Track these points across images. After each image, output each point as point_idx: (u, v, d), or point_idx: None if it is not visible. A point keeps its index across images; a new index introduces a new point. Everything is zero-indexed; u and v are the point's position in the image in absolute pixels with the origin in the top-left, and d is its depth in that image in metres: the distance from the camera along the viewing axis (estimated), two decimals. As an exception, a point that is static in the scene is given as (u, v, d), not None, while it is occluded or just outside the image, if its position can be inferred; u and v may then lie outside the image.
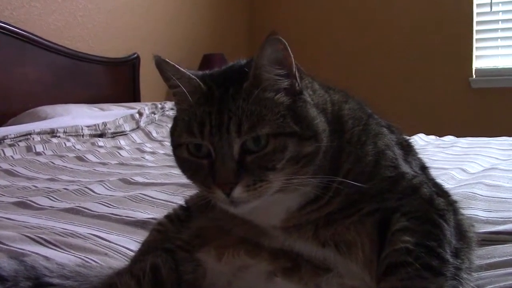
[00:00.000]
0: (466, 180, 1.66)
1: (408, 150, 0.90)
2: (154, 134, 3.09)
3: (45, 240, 1.07)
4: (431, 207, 0.79)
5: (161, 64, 0.79)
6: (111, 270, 0.89)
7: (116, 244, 1.08)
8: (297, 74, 0.78)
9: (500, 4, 4.15)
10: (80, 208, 1.36)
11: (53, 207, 1.42)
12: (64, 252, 1.03)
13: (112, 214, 1.30)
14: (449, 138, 2.79)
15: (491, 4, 4.12)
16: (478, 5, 4.17)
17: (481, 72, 4.17)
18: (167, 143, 2.59)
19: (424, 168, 0.91)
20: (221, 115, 0.74)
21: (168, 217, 0.96)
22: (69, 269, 0.90)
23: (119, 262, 0.97)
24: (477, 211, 1.25)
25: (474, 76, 4.17)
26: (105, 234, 1.14)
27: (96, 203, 1.41)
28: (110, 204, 1.40)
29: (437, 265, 0.71)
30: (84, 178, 1.85)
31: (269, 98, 0.75)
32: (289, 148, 0.74)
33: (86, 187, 1.62)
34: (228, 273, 0.81)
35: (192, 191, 0.95)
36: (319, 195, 0.78)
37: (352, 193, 0.78)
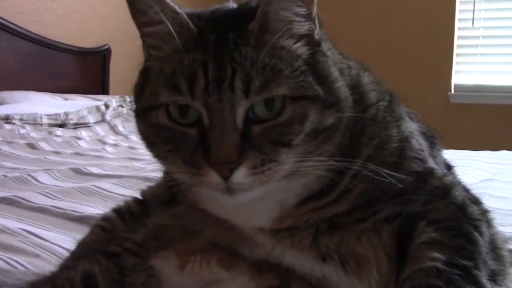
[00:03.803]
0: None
1: (433, 142, 0.72)
2: (120, 128, 2.88)
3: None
4: (464, 216, 0.61)
5: None
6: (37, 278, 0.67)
7: (53, 243, 0.87)
8: (316, 19, 0.60)
9: (482, 20, 4.09)
10: (16, 198, 1.14)
11: (-17, 195, 1.20)
12: (-17, 251, 0.81)
13: (54, 207, 1.09)
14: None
15: (473, 20, 4.07)
16: (460, 20, 4.11)
17: (460, 87, 4.12)
18: (134, 137, 2.34)
19: (449, 167, 0.73)
20: (222, 66, 0.55)
21: (117, 211, 0.75)
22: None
23: (52, 266, 0.76)
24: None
25: (453, 91, 4.11)
26: (40, 230, 0.94)
27: (37, 193, 1.20)
28: (53, 196, 1.20)
29: None
30: (31, 166, 1.62)
31: (286, 47, 0.57)
32: (310, 118, 0.56)
33: (29, 175, 1.40)
34: (192, 288, 0.61)
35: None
36: (325, 188, 0.59)
37: (369, 189, 0.59)
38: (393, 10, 4.24)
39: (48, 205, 1.11)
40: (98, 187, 1.29)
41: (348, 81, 0.63)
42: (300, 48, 0.59)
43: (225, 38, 0.57)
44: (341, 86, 0.60)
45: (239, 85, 0.54)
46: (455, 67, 4.12)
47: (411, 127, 0.69)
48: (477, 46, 4.13)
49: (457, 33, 4.10)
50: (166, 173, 0.73)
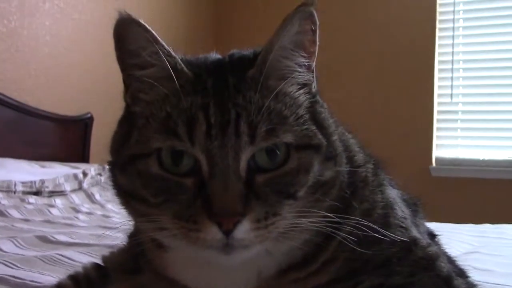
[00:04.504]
0: (449, 264, 1.46)
1: (415, 210, 0.69)
2: (97, 197, 2.80)
3: None
4: None
5: (128, 27, 0.55)
6: None
7: (5, 316, 0.79)
8: (314, 72, 0.59)
9: (460, 96, 4.21)
10: (-28, 268, 1.05)
11: None
12: None
13: (13, 277, 1.00)
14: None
15: (451, 95, 4.18)
16: (439, 95, 4.21)
17: (441, 161, 4.14)
18: (110, 205, 2.26)
19: (433, 236, 0.70)
20: (225, 110, 0.52)
21: (73, 278, 0.69)
22: None
23: None
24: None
25: (434, 164, 4.12)
26: (-7, 302, 0.85)
27: (-4, 262, 1.11)
28: (14, 265, 1.10)
29: None
30: (-5, 233, 1.53)
31: (290, 94, 0.55)
32: (314, 168, 0.53)
33: (-10, 243, 1.31)
34: None
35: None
36: (309, 256, 0.55)
37: (352, 258, 0.56)
38: (375, 86, 4.35)
39: (6, 275, 1.01)
40: (62, 255, 1.20)
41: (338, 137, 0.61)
42: (302, 96, 0.57)
43: (225, 83, 0.54)
44: (337, 140, 0.57)
45: (244, 130, 0.51)
46: (435, 141, 4.17)
47: (393, 193, 0.66)
48: (456, 120, 4.22)
49: (436, 107, 4.18)
50: (132, 236, 0.68)
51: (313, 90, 0.60)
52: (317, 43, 0.58)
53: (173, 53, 0.58)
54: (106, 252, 1.20)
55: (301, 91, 0.58)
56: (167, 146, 0.54)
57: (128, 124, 0.59)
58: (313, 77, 0.60)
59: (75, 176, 2.91)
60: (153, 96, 0.58)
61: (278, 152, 0.52)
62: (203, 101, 0.53)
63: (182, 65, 0.57)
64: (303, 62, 0.58)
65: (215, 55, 0.65)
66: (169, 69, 0.56)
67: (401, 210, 0.64)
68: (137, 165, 0.56)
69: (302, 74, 0.58)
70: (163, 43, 0.57)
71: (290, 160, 0.53)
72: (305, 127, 0.55)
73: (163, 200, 0.54)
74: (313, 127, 0.56)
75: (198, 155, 0.52)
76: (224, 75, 0.56)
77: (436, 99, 4.20)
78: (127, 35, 0.56)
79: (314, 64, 0.60)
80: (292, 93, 0.57)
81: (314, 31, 0.57)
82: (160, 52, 0.56)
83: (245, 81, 0.55)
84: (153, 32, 0.56)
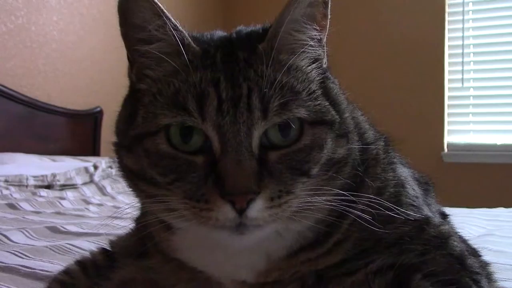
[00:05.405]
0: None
1: (427, 189, 0.68)
2: (109, 190, 2.80)
3: None
4: (462, 268, 0.56)
5: (134, 1, 0.53)
6: None
7: (15, 304, 0.79)
8: (325, 47, 0.58)
9: (471, 80, 4.15)
10: (-18, 258, 1.06)
11: None
12: None
13: (23, 266, 1.00)
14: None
15: (462, 80, 4.13)
16: (450, 80, 4.16)
17: (453, 146, 4.10)
18: (121, 197, 2.25)
19: (444, 216, 0.68)
20: (236, 84, 0.50)
21: (80, 263, 0.68)
22: None
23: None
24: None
25: (446, 150, 4.09)
26: (4, 291, 0.85)
27: (6, 252, 1.11)
28: (24, 255, 1.11)
29: None
30: (6, 226, 1.54)
31: (302, 68, 0.54)
32: (327, 145, 0.52)
33: (1, 234, 1.32)
34: None
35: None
36: (321, 236, 0.54)
37: (364, 237, 0.55)
38: (385, 72, 4.31)
39: (16, 265, 1.02)
40: (73, 245, 1.21)
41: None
42: (314, 71, 0.56)
43: (234, 57, 0.53)
44: (349, 116, 0.56)
45: (257, 105, 0.49)
46: (447, 127, 4.13)
47: (404, 172, 0.65)
48: (468, 105, 4.16)
49: (447, 93, 4.14)
50: (139, 219, 0.67)
51: (324, 65, 0.59)
52: (329, 16, 0.57)
53: (180, 27, 0.56)
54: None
55: (313, 65, 0.56)
56: (176, 122, 0.52)
57: (133, 103, 0.57)
58: (324, 52, 0.59)
59: (86, 169, 2.91)
60: (160, 72, 0.56)
61: (293, 126, 0.51)
62: (213, 76, 0.52)
63: (190, 39, 0.55)
64: (315, 35, 0.56)
65: (220, 32, 0.63)
66: (176, 43, 0.54)
67: (413, 189, 0.63)
68: (144, 144, 0.54)
69: (313, 48, 0.56)
70: (170, 16, 0.55)
71: (304, 136, 0.51)
72: (318, 102, 0.53)
73: (172, 179, 0.52)
74: (326, 103, 0.54)
75: (208, 132, 0.51)
76: (233, 49, 0.55)
77: (447, 85, 4.15)
78: (132, 8, 0.54)
79: (325, 39, 0.58)
80: (304, 67, 0.55)
81: (326, 4, 0.55)
82: (167, 26, 0.54)
83: (256, 55, 0.53)
84: (160, 5, 0.54)
